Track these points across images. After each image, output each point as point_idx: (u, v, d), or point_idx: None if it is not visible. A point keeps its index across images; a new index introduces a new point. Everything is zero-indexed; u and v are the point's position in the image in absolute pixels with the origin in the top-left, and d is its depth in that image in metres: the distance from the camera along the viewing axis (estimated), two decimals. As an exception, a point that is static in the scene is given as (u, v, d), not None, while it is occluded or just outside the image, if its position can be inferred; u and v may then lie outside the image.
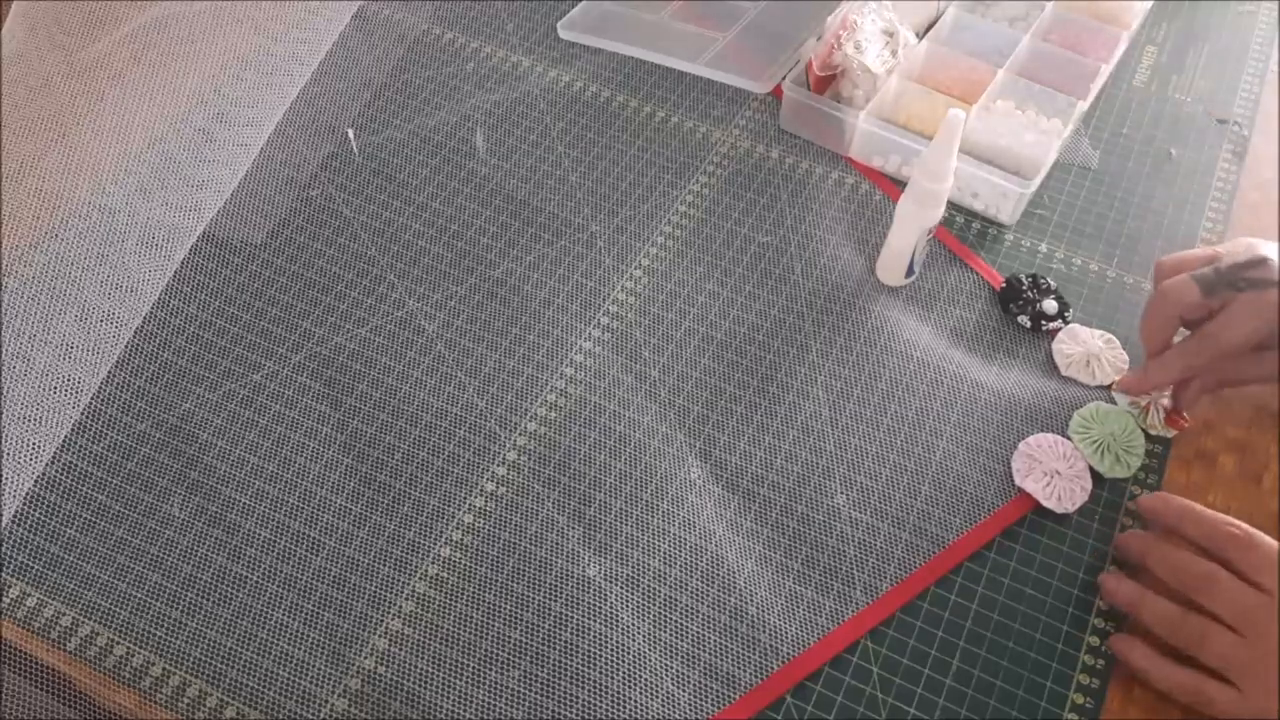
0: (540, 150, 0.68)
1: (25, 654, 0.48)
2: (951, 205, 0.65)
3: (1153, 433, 0.55)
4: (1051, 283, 0.60)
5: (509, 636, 0.49)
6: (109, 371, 0.57)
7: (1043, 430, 0.55)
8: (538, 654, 0.48)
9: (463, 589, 0.50)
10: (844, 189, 0.66)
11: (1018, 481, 0.53)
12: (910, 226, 0.57)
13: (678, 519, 0.52)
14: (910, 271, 0.60)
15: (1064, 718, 0.47)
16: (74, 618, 0.49)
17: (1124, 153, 0.68)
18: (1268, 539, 0.46)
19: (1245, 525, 0.47)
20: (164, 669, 0.48)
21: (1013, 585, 0.51)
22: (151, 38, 0.69)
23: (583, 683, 0.48)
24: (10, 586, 0.50)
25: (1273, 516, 0.53)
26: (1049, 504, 0.52)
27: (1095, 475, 0.54)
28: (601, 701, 0.47)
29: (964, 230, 0.64)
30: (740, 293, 0.61)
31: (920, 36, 0.69)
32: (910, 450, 0.55)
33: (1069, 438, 0.55)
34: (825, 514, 0.53)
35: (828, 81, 0.66)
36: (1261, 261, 0.50)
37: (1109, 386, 0.57)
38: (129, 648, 0.48)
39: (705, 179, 0.66)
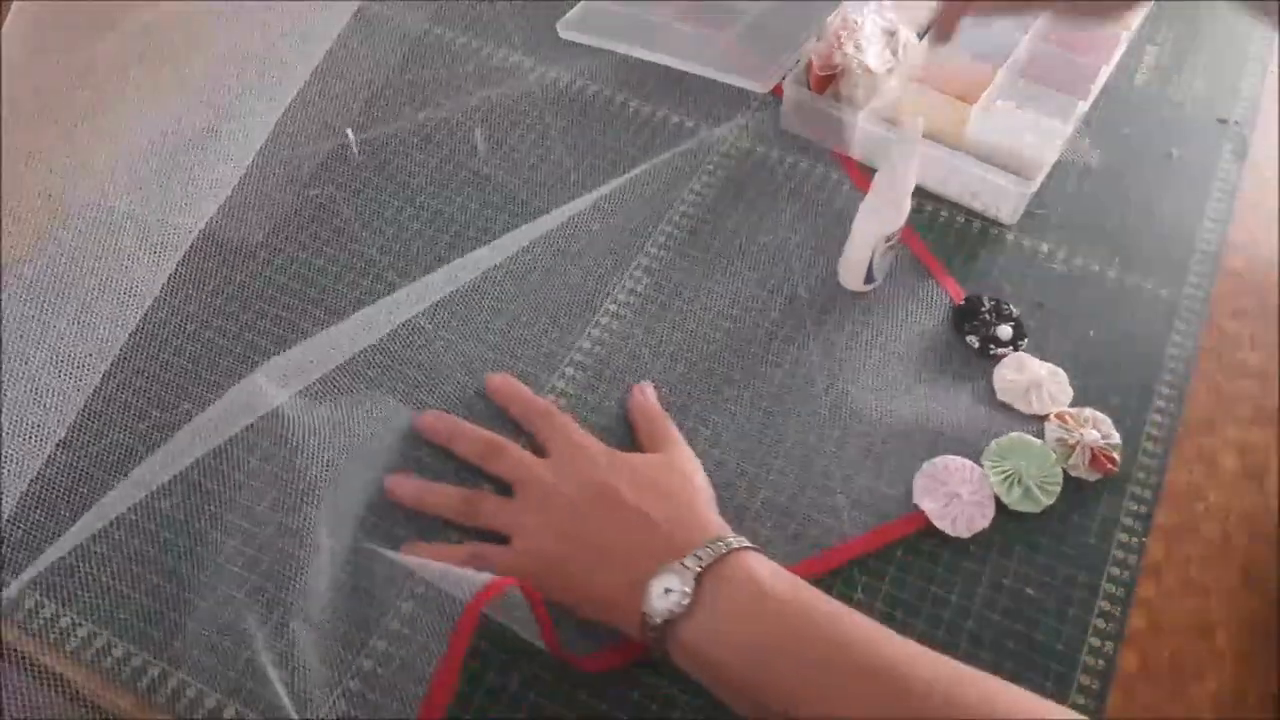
0: (540, 150, 0.68)
1: (24, 655, 0.48)
2: (951, 205, 0.65)
3: (1074, 474, 0.53)
4: (1015, 310, 0.59)
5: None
6: (109, 371, 0.56)
7: (958, 454, 0.54)
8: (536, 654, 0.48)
9: (462, 589, 0.50)
10: (844, 189, 0.66)
11: (914, 498, 0.52)
12: (867, 233, 0.57)
13: (677, 519, 0.52)
14: (870, 278, 0.59)
15: (1064, 718, 0.47)
16: (72, 619, 0.49)
17: (1124, 153, 0.68)
18: (567, 416, 0.54)
19: (552, 404, 0.55)
20: (162, 670, 0.48)
21: (1013, 586, 0.51)
22: (152, 37, 0.69)
23: (582, 683, 0.48)
24: (9, 587, 0.50)
25: (1273, 516, 0.53)
26: (942, 525, 0.51)
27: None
28: None
29: (964, 230, 0.64)
30: (740, 293, 0.61)
31: (920, 36, 0.69)
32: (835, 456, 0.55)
33: (981, 464, 0.53)
34: (825, 514, 0.53)
35: (828, 81, 0.66)
36: None
37: (1043, 419, 0.55)
38: (127, 649, 0.48)
39: (705, 179, 0.66)
